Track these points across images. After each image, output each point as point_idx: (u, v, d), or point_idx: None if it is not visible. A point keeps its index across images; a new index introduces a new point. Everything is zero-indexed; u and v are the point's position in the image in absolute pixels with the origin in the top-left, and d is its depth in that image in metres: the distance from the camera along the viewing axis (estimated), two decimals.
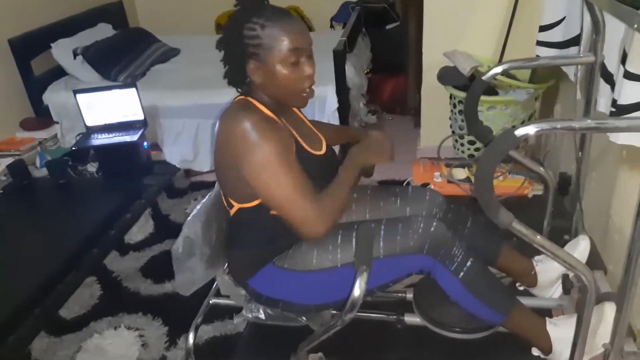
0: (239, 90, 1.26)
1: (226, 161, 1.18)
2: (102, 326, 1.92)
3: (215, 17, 4.04)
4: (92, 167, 2.68)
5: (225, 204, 1.28)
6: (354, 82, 2.84)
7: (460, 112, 2.42)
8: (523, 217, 0.95)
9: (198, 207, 1.31)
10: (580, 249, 1.47)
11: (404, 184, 2.18)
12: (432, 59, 2.52)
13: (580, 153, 1.59)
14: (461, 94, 2.32)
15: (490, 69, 1.49)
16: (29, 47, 2.95)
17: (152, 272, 2.18)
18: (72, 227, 2.23)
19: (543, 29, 1.93)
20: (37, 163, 2.72)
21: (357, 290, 1.11)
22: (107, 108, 2.65)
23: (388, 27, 3.65)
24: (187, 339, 1.46)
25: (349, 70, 2.72)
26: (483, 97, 1.86)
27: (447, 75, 2.35)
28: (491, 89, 2.32)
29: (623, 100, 1.25)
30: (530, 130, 0.86)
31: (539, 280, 1.48)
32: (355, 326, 1.18)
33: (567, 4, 1.80)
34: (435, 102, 2.63)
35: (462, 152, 2.50)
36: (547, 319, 1.30)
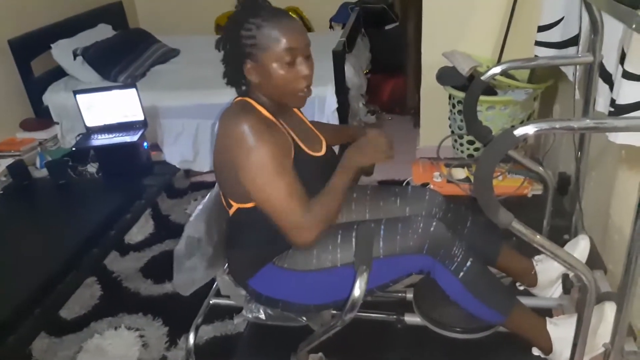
0: (238, 91, 1.27)
1: (225, 162, 1.18)
2: (102, 326, 1.92)
3: (215, 18, 4.04)
4: (92, 168, 2.68)
5: (225, 204, 1.28)
6: (354, 83, 2.84)
7: (459, 112, 2.42)
8: (523, 217, 0.95)
9: (199, 207, 1.31)
10: (580, 248, 1.47)
11: (404, 184, 2.19)
12: (431, 59, 2.53)
13: (579, 153, 1.59)
14: (460, 94, 2.32)
15: (489, 69, 1.49)
16: (29, 47, 2.95)
17: (153, 273, 2.18)
18: (73, 227, 2.23)
19: (542, 29, 1.93)
20: (37, 163, 2.72)
21: (357, 291, 1.11)
22: (107, 108, 2.66)
23: (387, 27, 3.65)
24: (187, 339, 1.46)
25: (348, 71, 2.73)
26: (482, 97, 1.85)
27: (446, 76, 2.36)
28: (490, 89, 2.32)
29: (622, 100, 1.25)
30: (529, 130, 0.86)
31: (539, 280, 1.48)
32: (355, 326, 1.18)
33: (565, 4, 1.80)
34: (435, 102, 2.64)
35: (462, 152, 2.50)
36: (547, 318, 1.30)
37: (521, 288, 1.53)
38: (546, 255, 1.45)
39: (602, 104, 1.47)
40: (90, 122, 2.67)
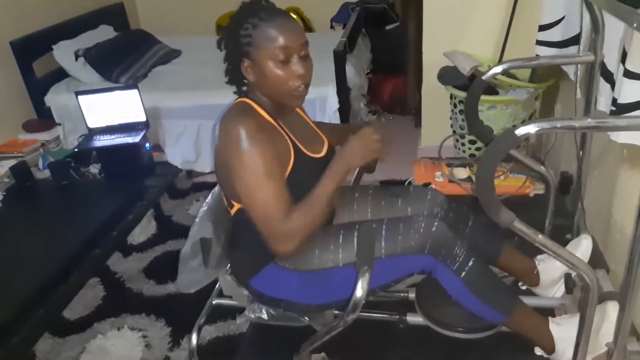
0: (237, 91, 1.27)
1: (224, 162, 1.19)
2: (105, 327, 1.92)
3: (216, 19, 4.05)
4: (94, 169, 2.69)
5: (226, 204, 1.28)
6: (355, 83, 2.84)
7: (460, 111, 2.42)
8: (524, 217, 0.95)
9: (204, 207, 1.31)
10: (582, 248, 1.47)
11: (405, 184, 2.19)
12: (432, 59, 2.53)
13: (581, 152, 1.59)
14: (461, 94, 2.32)
15: (490, 68, 1.49)
16: (31, 49, 2.96)
17: (155, 273, 2.19)
18: (75, 228, 2.24)
19: (542, 28, 1.93)
20: (40, 165, 2.73)
21: (360, 291, 1.11)
22: (109, 109, 2.66)
23: (388, 27, 3.65)
24: (190, 339, 1.46)
25: (349, 71, 2.73)
26: (483, 97, 1.86)
27: (447, 75, 2.36)
28: (491, 89, 2.32)
29: (623, 99, 1.25)
30: (530, 129, 0.87)
31: (541, 280, 1.48)
32: (357, 326, 1.18)
33: (566, 3, 1.80)
34: (436, 102, 2.64)
35: (463, 151, 2.50)
36: (550, 318, 1.30)
37: (523, 288, 1.53)
38: (548, 255, 1.46)
39: (603, 103, 1.47)
40: (93, 123, 2.68)
